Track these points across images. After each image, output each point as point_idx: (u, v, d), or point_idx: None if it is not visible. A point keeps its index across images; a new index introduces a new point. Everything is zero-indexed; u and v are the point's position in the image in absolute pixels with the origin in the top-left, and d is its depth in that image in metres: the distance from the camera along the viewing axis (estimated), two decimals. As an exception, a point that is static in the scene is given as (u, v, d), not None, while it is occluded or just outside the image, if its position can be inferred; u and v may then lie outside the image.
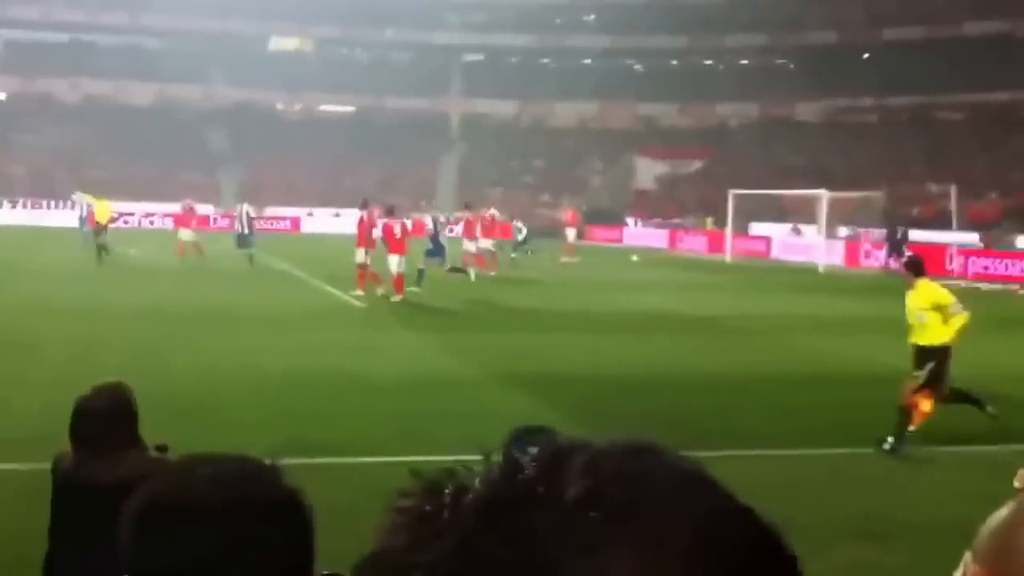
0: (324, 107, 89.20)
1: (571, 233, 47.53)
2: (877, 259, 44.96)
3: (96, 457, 4.50)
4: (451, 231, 36.80)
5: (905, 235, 44.27)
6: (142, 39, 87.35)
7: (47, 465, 7.58)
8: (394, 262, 26.18)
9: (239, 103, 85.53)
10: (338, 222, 64.40)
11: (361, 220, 27.74)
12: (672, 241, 61.22)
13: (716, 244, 54.69)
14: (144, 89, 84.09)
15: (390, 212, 27.66)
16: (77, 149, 76.52)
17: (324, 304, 25.09)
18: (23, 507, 7.72)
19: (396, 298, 25.75)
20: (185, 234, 36.49)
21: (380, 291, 26.07)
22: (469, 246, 34.92)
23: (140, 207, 65.83)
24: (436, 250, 29.74)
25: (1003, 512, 1.59)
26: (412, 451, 10.43)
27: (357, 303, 25.33)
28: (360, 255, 26.95)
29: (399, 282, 26.12)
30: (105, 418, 4.54)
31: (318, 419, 12.41)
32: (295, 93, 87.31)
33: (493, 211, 36.44)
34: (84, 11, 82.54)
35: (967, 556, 1.60)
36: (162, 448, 4.70)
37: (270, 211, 65.81)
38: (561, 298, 28.07)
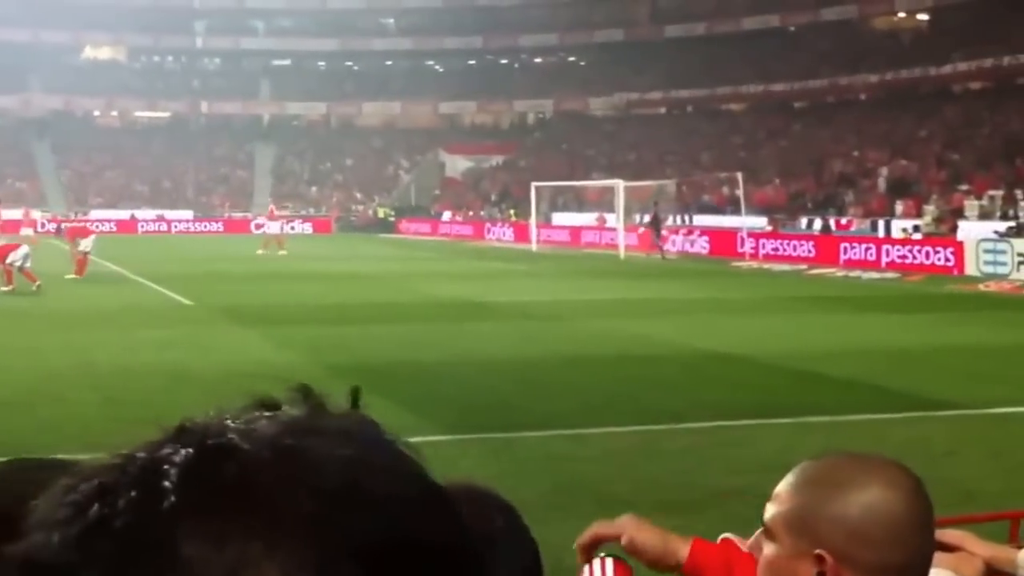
0: (140, 113, 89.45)
1: (274, 226, 49.48)
2: (674, 243, 47.04)
3: None
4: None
5: (657, 218, 46.37)
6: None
7: None
8: None
9: (57, 111, 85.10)
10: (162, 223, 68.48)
11: None
12: (479, 232, 62.60)
13: (522, 234, 55.93)
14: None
15: None
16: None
17: (152, 302, 25.48)
18: None
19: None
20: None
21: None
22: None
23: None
24: None
25: (786, 487, 1.73)
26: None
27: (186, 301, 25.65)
28: None
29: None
30: None
31: (152, 414, 12.85)
32: (111, 100, 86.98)
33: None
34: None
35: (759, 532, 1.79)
36: None
37: (95, 214, 67.21)
38: (370, 290, 28.23)
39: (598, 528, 2.14)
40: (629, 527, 2.16)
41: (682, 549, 2.13)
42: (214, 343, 18.23)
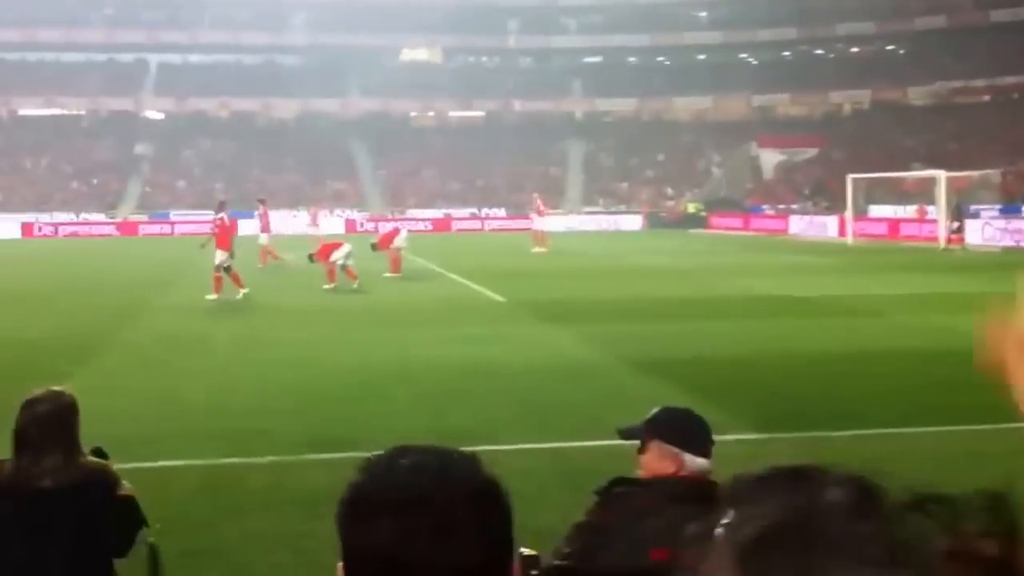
0: (454, 113, 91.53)
1: (540, 222, 45.96)
2: (995, 238, 45.69)
3: (36, 462, 4.35)
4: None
5: (959, 210, 45.44)
6: (282, 57, 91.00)
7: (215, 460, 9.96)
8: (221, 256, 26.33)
9: (375, 113, 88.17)
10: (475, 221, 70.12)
11: (220, 223, 27.16)
12: (792, 226, 61.46)
13: (837, 227, 55.19)
14: (287, 104, 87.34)
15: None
16: (230, 162, 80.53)
17: (466, 298, 25.69)
18: (194, 500, 8.96)
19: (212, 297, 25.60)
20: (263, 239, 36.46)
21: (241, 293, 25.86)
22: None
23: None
24: None
25: None
26: (549, 437, 11.08)
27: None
28: (220, 256, 26.24)
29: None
30: (49, 422, 4.39)
31: (459, 407, 12.68)
32: (427, 101, 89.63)
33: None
34: (227, 33, 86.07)
35: None
36: (98, 452, 4.64)
37: (411, 213, 70.35)
38: (679, 286, 27.83)
39: None
40: None
41: None
42: (525, 340, 18.32)
